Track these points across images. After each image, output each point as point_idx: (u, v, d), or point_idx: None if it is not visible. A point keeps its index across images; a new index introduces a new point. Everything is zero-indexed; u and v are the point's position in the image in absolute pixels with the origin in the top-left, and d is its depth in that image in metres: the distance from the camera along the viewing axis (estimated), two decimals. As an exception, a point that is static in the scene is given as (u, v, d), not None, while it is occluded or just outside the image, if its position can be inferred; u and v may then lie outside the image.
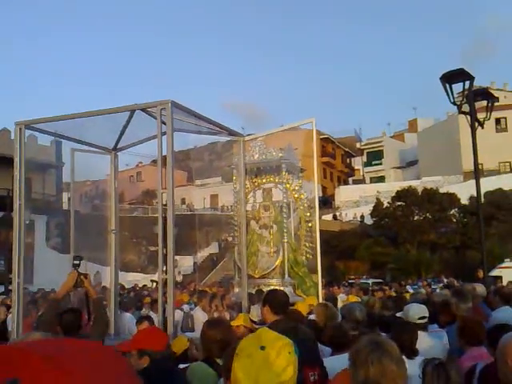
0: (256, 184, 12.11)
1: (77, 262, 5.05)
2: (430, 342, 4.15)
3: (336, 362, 3.78)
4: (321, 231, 8.47)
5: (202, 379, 3.42)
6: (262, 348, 1.53)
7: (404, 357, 3.53)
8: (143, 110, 6.78)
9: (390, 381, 2.08)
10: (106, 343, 5.32)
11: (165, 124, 6.04)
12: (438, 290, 17.05)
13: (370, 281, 26.09)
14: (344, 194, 55.38)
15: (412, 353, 3.64)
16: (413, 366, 2.95)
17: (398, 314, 4.51)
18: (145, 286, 19.05)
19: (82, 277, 4.92)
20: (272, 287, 10.52)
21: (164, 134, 6.04)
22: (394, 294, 13.06)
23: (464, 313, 5.28)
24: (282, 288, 10.58)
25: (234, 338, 4.05)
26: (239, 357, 1.55)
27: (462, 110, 13.92)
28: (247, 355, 1.53)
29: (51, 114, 6.98)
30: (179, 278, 31.79)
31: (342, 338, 3.99)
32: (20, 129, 6.55)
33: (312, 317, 6.03)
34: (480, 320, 4.24)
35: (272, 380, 1.48)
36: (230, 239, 12.53)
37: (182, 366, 3.91)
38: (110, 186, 8.08)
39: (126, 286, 20.62)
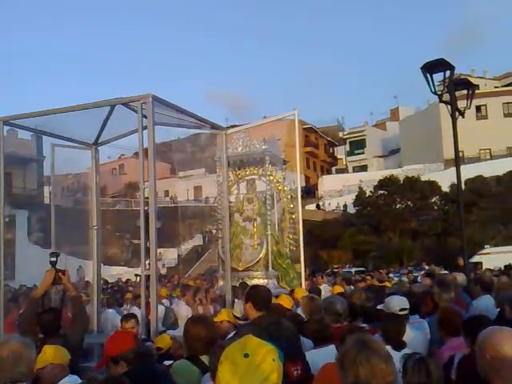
0: (239, 176, 12.12)
1: (53, 259, 4.98)
2: (411, 334, 4.21)
3: (317, 356, 3.83)
4: (304, 221, 8.54)
5: (185, 377, 3.40)
6: (246, 355, 1.54)
7: (391, 349, 3.61)
8: (124, 104, 6.73)
9: (379, 379, 2.09)
10: (88, 340, 5.31)
11: (146, 118, 6.02)
12: (419, 278, 17.31)
13: (353, 269, 26.33)
14: (327, 183, 55.62)
15: (399, 345, 3.69)
16: (400, 358, 2.99)
17: (379, 307, 4.56)
18: (128, 280, 18.96)
19: (59, 274, 4.84)
20: (256, 280, 10.57)
21: (145, 127, 6.02)
22: (376, 282, 13.19)
23: (446, 303, 5.35)
24: (265, 280, 10.65)
25: (218, 334, 4.06)
26: (223, 364, 1.56)
27: (443, 99, 14.08)
28: (231, 362, 1.54)
29: (32, 110, 6.89)
30: (163, 271, 31.76)
31: (324, 332, 4.02)
32: (-2, 125, 6.47)
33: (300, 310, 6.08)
34: (459, 311, 4.31)
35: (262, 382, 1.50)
36: (214, 231, 12.50)
37: (167, 362, 3.91)
38: (91, 182, 8.02)
39: (110, 281, 20.55)
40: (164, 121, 7.30)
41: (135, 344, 3.19)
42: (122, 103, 6.58)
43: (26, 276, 19.85)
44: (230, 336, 4.42)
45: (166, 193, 53.80)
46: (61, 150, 8.23)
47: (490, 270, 15.20)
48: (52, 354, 3.54)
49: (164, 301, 10.19)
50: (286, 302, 5.69)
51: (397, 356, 3.28)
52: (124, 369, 3.03)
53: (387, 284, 10.14)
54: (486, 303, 5.88)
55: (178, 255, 36.25)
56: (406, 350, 3.69)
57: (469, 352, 3.33)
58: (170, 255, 36.35)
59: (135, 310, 9.32)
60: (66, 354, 3.61)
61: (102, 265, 8.17)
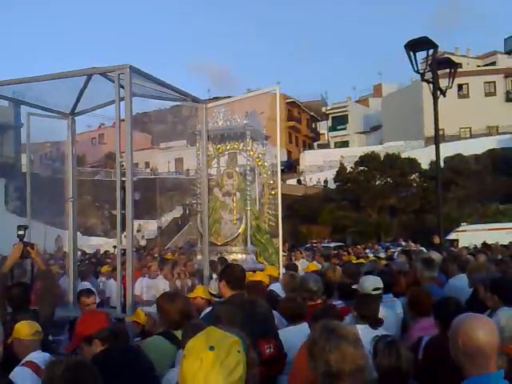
0: (220, 150, 12.01)
1: (21, 232, 4.86)
2: (384, 312, 4.26)
3: (290, 334, 3.86)
4: (284, 195, 8.49)
5: (159, 352, 3.38)
6: (211, 348, 1.50)
7: (368, 327, 3.65)
8: (102, 74, 6.57)
9: (350, 364, 2.11)
10: (63, 314, 5.28)
11: (124, 89, 5.88)
12: (396, 254, 17.54)
13: (332, 244, 26.60)
14: (309, 158, 55.64)
15: (376, 323, 3.75)
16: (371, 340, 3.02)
17: (354, 286, 4.61)
18: (107, 251, 18.85)
19: (28, 248, 4.74)
20: (234, 255, 10.60)
21: (123, 99, 5.89)
22: (353, 258, 13.34)
23: (428, 281, 5.41)
24: (244, 255, 10.69)
25: (192, 309, 4.06)
26: (187, 358, 1.52)
27: (425, 77, 14.09)
28: (196, 357, 1.50)
29: (9, 77, 6.70)
30: (143, 243, 31.69)
31: (296, 310, 4.05)
32: (-28, 92, 6.27)
33: (275, 286, 6.13)
34: (427, 292, 4.36)
35: (221, 382, 1.47)
36: (194, 204, 12.44)
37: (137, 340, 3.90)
38: (67, 152, 7.87)
39: (88, 251, 20.42)
40: (142, 92, 7.16)
41: (108, 323, 3.14)
42: (98, 73, 6.41)
43: (2, 244, 19.60)
44: (205, 312, 4.44)
45: (147, 164, 53.35)
46: (38, 119, 8.07)
47: (466, 247, 15.48)
48: (22, 328, 3.52)
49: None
50: (263, 278, 5.71)
51: (373, 334, 3.32)
52: (98, 348, 2.97)
53: (362, 261, 10.24)
54: (462, 282, 5.94)
55: (158, 227, 36.17)
56: (383, 329, 3.74)
57: (437, 334, 3.38)
58: (150, 227, 36.25)
59: (112, 283, 9.32)
60: (36, 329, 3.60)
61: (80, 235, 8.10)
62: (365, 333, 3.50)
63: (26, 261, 4.97)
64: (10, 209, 28.74)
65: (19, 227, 4.95)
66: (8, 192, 29.91)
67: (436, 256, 7.76)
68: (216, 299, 4.71)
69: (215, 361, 1.48)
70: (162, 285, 8.44)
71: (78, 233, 10.12)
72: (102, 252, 19.37)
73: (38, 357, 3.26)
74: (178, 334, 3.47)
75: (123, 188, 5.72)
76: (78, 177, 8.61)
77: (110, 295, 9.21)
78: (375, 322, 3.77)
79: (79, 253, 11.56)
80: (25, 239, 4.96)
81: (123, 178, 5.78)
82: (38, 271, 4.83)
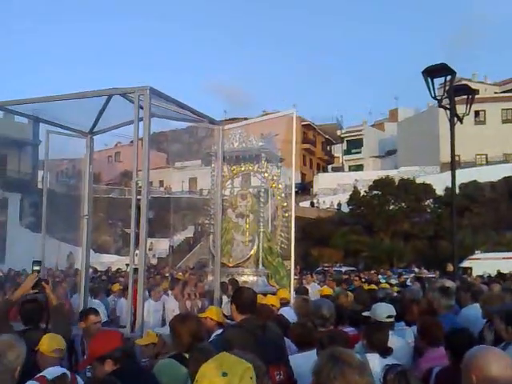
0: (234, 172, 12.07)
1: (37, 267, 4.90)
2: (395, 342, 4.21)
3: (300, 360, 3.82)
4: (297, 218, 8.48)
5: (171, 376, 3.34)
6: (224, 374, 1.50)
7: (378, 356, 3.61)
8: (121, 94, 6.68)
9: None
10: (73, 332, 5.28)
11: (143, 109, 5.98)
12: (408, 281, 17.34)
13: (344, 268, 26.38)
14: (322, 181, 55.59)
15: (385, 351, 3.70)
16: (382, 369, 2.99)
17: (366, 314, 4.56)
18: (119, 269, 18.91)
19: (43, 282, 4.76)
20: (246, 277, 10.56)
21: (141, 119, 5.97)
22: (365, 285, 13.18)
23: (446, 310, 5.31)
24: (255, 277, 10.64)
25: (204, 331, 4.05)
26: (199, 383, 1.52)
27: (442, 104, 14.10)
28: (209, 382, 1.50)
29: (29, 95, 6.86)
30: (154, 261, 31.72)
31: (307, 336, 4.02)
32: (-8, 109, 6.40)
33: (284, 310, 6.09)
34: (438, 322, 4.29)
35: None
36: (206, 224, 12.47)
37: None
38: (84, 170, 7.97)
39: (100, 269, 20.49)
40: (161, 113, 7.27)
41: (122, 343, 3.15)
42: (119, 93, 6.53)
43: (15, 259, 19.77)
44: (215, 334, 4.41)
45: (161, 183, 53.67)
46: (56, 137, 8.20)
47: (480, 276, 15.26)
48: (45, 342, 3.64)
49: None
50: (273, 302, 5.68)
51: (383, 363, 3.28)
52: (111, 368, 2.98)
53: (374, 287, 10.11)
54: (475, 312, 5.83)
55: (170, 246, 36.18)
56: (392, 357, 3.69)
57: (448, 365, 3.33)
58: (162, 246, 36.28)
59: (122, 302, 9.31)
60: (57, 347, 3.69)
61: (93, 252, 8.15)
62: (374, 361, 3.46)
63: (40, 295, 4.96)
64: (25, 224, 29.01)
65: (35, 262, 4.98)
66: (23, 207, 30.23)
67: (450, 284, 7.64)
68: (228, 321, 4.68)
69: (236, 381, 1.47)
70: (172, 305, 8.40)
71: (91, 250, 10.17)
72: (113, 270, 19.44)
73: (52, 372, 3.28)
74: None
75: (138, 206, 5.77)
76: (93, 194, 8.71)
77: (120, 314, 9.20)
78: (385, 351, 3.71)
79: (90, 270, 11.60)
80: (39, 255, 4.99)
81: (138, 197, 5.83)
82: (50, 307, 4.83)
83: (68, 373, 3.24)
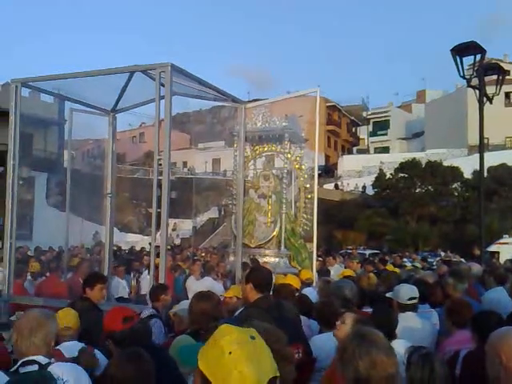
0: (257, 152, 11.98)
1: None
2: (419, 323, 4.12)
3: (322, 340, 3.77)
4: (321, 200, 8.36)
5: (186, 352, 3.36)
6: (253, 338, 1.44)
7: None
8: (143, 71, 6.65)
9: (380, 371, 2.05)
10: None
11: (164, 87, 5.93)
12: (434, 264, 17.09)
13: (368, 251, 26.15)
14: (347, 163, 55.04)
15: (389, 336, 3.56)
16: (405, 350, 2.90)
17: (388, 294, 4.46)
18: (143, 248, 19.10)
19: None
20: (267, 258, 10.54)
21: (163, 97, 5.93)
22: (391, 267, 13.01)
23: (459, 293, 5.24)
24: (277, 259, 10.61)
25: (223, 311, 4.02)
26: (236, 350, 1.38)
27: (471, 83, 13.69)
28: (245, 343, 1.40)
29: (51, 72, 6.88)
30: (177, 241, 32.00)
31: (331, 316, 3.94)
32: (16, 86, 6.44)
33: (308, 291, 6.05)
34: (468, 302, 4.18)
35: (271, 367, 1.40)
36: (229, 205, 12.46)
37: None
38: (107, 149, 8.02)
39: (124, 247, 20.73)
40: (183, 91, 7.21)
41: (126, 323, 3.10)
42: (140, 70, 6.51)
43: (42, 237, 20.14)
44: (236, 314, 4.39)
45: (185, 164, 53.87)
46: (82, 115, 8.25)
47: (510, 260, 14.94)
48: (63, 317, 3.62)
49: None
50: (293, 282, 5.64)
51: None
52: (113, 348, 2.96)
53: (397, 270, 9.93)
54: (498, 295, 5.77)
55: (193, 227, 36.41)
56: (401, 341, 3.55)
57: (475, 348, 3.22)
58: (186, 226, 36.54)
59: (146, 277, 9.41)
60: (77, 320, 3.69)
61: (118, 231, 8.23)
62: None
63: None
64: (51, 203, 29.48)
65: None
66: (50, 186, 30.68)
67: (476, 268, 7.52)
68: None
69: (262, 347, 1.43)
70: (193, 286, 8.40)
71: (115, 229, 10.24)
72: (137, 249, 19.64)
73: (69, 347, 3.30)
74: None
75: (160, 186, 5.76)
76: (117, 174, 8.76)
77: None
78: (388, 335, 3.55)
79: (114, 248, 11.73)
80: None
81: (160, 177, 5.82)
82: None
83: (86, 347, 3.25)
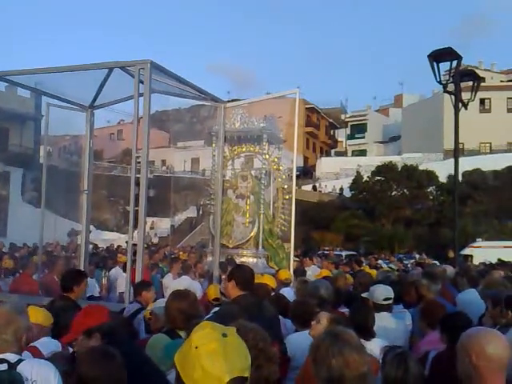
0: (236, 152, 11.97)
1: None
2: (393, 323, 4.18)
3: (297, 339, 3.80)
4: (299, 201, 8.43)
5: (162, 350, 3.35)
6: (225, 335, 1.45)
7: (362, 338, 3.56)
8: (122, 68, 6.59)
9: (353, 370, 2.08)
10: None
11: (143, 84, 5.89)
12: (409, 266, 17.33)
13: (344, 253, 26.36)
14: (325, 165, 55.38)
15: (368, 334, 3.63)
16: (369, 347, 2.95)
17: (364, 295, 4.53)
18: (119, 246, 18.92)
19: None
20: (245, 258, 10.54)
21: (142, 94, 5.90)
22: (367, 268, 13.14)
23: (434, 294, 5.33)
24: (255, 259, 10.62)
25: (200, 310, 4.01)
26: (204, 346, 1.41)
27: (448, 89, 13.92)
28: (213, 339, 1.42)
29: (29, 67, 6.78)
30: (155, 240, 31.80)
31: (306, 315, 3.98)
32: (-9, 80, 6.33)
33: (285, 291, 6.08)
34: (441, 304, 4.27)
35: (241, 367, 1.40)
36: (207, 205, 12.44)
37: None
38: (84, 145, 7.94)
39: (100, 245, 20.51)
40: (162, 89, 7.18)
41: (110, 318, 3.09)
42: (119, 66, 6.45)
43: (17, 233, 19.81)
44: (213, 311, 4.39)
45: (163, 162, 53.54)
46: (59, 111, 8.15)
47: (483, 263, 15.21)
48: (33, 314, 3.56)
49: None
50: (269, 281, 5.66)
51: (367, 345, 3.24)
52: (98, 342, 2.91)
53: (373, 271, 10.03)
54: (470, 296, 5.89)
55: (171, 225, 36.22)
56: (378, 340, 3.62)
57: (444, 349, 3.29)
58: (163, 225, 36.33)
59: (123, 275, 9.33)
60: (48, 317, 3.67)
61: (94, 229, 8.16)
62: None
63: None
64: (27, 199, 29.03)
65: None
66: (25, 182, 30.21)
67: (450, 270, 7.67)
68: (225, 299, 4.66)
69: (234, 344, 1.44)
70: (170, 284, 8.37)
71: (92, 226, 10.13)
72: (114, 247, 19.45)
73: (45, 343, 3.28)
74: (182, 334, 3.43)
75: (138, 184, 5.73)
76: (94, 171, 8.68)
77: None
78: (367, 334, 3.62)
79: (90, 246, 11.60)
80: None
81: (138, 175, 5.79)
82: None
83: (60, 351, 3.21)
